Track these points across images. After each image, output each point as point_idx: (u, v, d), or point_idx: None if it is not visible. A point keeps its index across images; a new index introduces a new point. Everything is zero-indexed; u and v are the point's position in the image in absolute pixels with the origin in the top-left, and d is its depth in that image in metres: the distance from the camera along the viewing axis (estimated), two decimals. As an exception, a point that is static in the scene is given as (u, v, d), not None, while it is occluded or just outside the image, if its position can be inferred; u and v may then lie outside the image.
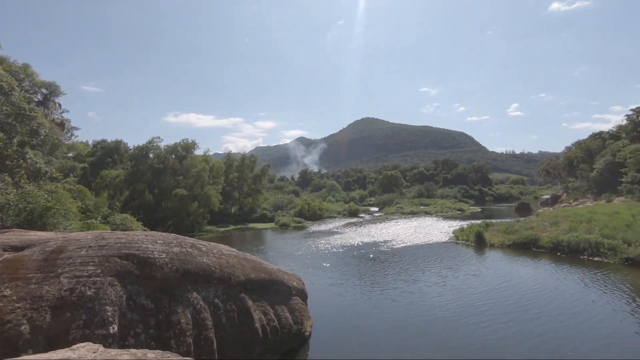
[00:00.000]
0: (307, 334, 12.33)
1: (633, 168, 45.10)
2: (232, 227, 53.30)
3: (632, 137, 52.86)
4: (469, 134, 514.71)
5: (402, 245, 33.08)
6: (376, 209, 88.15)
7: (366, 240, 36.78)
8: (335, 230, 47.01)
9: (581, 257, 24.49)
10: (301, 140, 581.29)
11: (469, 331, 13.36)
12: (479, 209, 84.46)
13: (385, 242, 35.09)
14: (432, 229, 44.21)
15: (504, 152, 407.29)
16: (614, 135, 63.03)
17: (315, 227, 51.36)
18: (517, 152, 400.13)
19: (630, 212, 30.73)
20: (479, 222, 38.60)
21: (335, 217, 67.15)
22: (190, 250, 9.65)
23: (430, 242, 34.61)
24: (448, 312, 15.33)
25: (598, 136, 70.94)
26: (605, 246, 23.88)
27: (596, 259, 23.74)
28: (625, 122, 58.09)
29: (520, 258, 25.87)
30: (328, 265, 25.63)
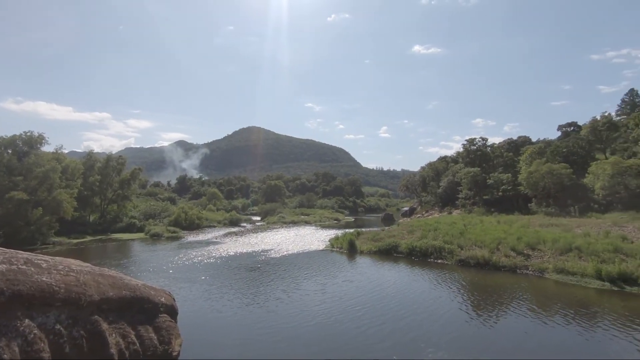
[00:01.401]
0: (175, 354, 11.32)
1: (466, 186, 56.19)
2: (89, 238, 45.66)
3: (466, 162, 65.97)
4: (347, 150, 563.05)
5: (282, 254, 33.65)
6: (259, 218, 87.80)
7: (246, 250, 36.18)
8: (215, 240, 44.91)
9: (429, 260, 29.10)
10: (181, 144, 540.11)
11: (352, 336, 14.30)
12: (353, 219, 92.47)
13: (266, 251, 35.16)
14: (310, 238, 46.28)
15: (375, 169, 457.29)
16: (454, 160, 77.58)
17: (192, 237, 48.07)
18: (385, 169, 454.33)
19: (463, 222, 38.06)
20: (351, 231, 42.20)
21: (215, 227, 64.19)
22: (23, 267, 7.85)
23: (309, 250, 36.15)
24: (330, 320, 16.10)
25: (443, 159, 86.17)
26: (445, 250, 28.97)
27: (439, 261, 28.55)
28: (461, 149, 72.18)
29: (385, 263, 29.21)
30: (204, 277, 24.23)
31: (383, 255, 31.94)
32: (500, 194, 49.15)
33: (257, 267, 27.78)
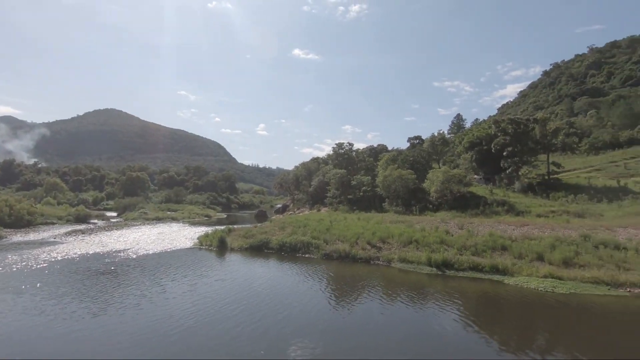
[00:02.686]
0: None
1: (334, 186, 61.21)
2: None
3: (335, 164, 71.86)
4: (222, 144, 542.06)
5: (142, 254, 30.34)
6: (114, 214, 76.86)
7: (96, 250, 31.32)
8: (53, 240, 37.38)
9: (298, 254, 30.64)
10: (7, 120, 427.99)
11: (231, 337, 13.88)
12: (225, 215, 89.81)
13: (121, 251, 31.13)
14: (177, 236, 43.06)
15: (251, 165, 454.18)
16: (325, 161, 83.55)
17: (19, 237, 38.91)
18: (261, 166, 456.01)
19: (329, 219, 41.35)
20: (222, 227, 41.01)
21: (55, 224, 53.37)
22: None
23: (174, 249, 33.61)
24: (204, 322, 15.30)
25: (315, 160, 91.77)
26: (312, 245, 31.00)
27: (307, 255, 30.36)
28: (331, 152, 78.29)
29: (256, 259, 29.42)
30: (36, 286, 19.98)
31: (254, 251, 32.12)
32: (361, 194, 55.21)
33: (109, 270, 24.38)
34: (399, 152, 74.98)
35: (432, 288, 21.66)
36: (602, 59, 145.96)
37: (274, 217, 62.76)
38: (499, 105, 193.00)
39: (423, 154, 65.47)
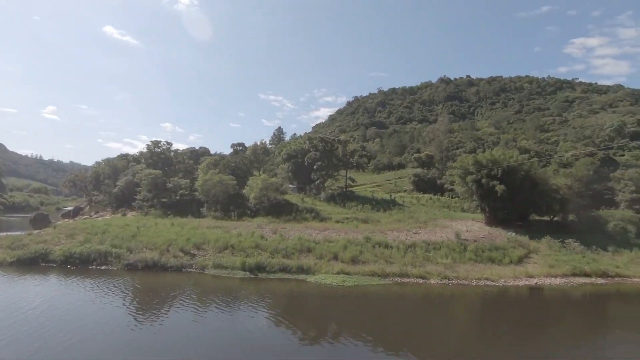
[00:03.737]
0: None
1: (145, 188, 54.72)
2: None
3: (148, 163, 64.47)
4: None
5: None
6: None
7: None
8: None
9: (91, 267, 25.72)
10: None
11: None
12: (-21, 220, 66.16)
13: None
14: None
15: (30, 156, 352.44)
16: (136, 159, 73.82)
17: None
18: (46, 158, 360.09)
19: (137, 224, 36.65)
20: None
21: None
22: None
23: None
24: None
25: (124, 157, 79.90)
26: (112, 255, 26.71)
27: (104, 267, 25.89)
28: (146, 150, 69.97)
29: (28, 276, 22.94)
30: None
31: (25, 266, 25.03)
32: (178, 197, 51.54)
33: None
34: (222, 156, 74.32)
35: (245, 291, 22.29)
36: (385, 100, 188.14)
37: (59, 222, 50.67)
38: (314, 124, 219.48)
39: (245, 161, 67.11)
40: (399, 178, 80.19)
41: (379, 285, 24.80)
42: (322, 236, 33.13)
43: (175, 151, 72.63)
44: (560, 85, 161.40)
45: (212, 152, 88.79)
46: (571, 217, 42.42)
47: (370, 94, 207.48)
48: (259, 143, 76.64)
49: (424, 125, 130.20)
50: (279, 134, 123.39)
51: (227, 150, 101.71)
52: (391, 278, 26.04)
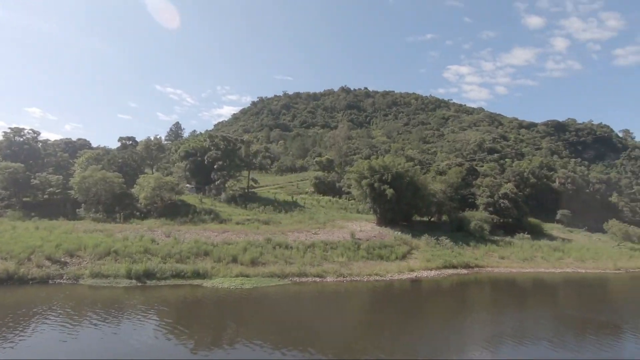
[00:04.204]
0: None
1: (1, 185, 45.01)
2: None
3: (5, 155, 53.17)
4: None
5: None
6: None
7: None
8: None
9: None
10: None
11: None
12: None
13: None
14: None
15: None
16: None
17: None
18: None
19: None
20: None
21: None
22: None
23: None
24: None
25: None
26: (-53, 268, 21.22)
27: None
28: (2, 138, 57.56)
29: None
30: None
31: None
32: (46, 196, 43.67)
33: None
34: (107, 151, 65.67)
35: (131, 302, 20.10)
36: (290, 103, 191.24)
37: None
38: (216, 122, 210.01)
39: (135, 157, 60.46)
40: (301, 180, 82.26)
41: (278, 285, 25.03)
42: (221, 238, 31.95)
43: (45, 142, 61.55)
44: (439, 104, 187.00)
45: (94, 145, 77.67)
46: (444, 217, 49.38)
47: (275, 95, 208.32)
48: (152, 138, 69.92)
49: (325, 131, 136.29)
50: (176, 129, 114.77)
51: (114, 144, 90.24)
52: (290, 278, 26.53)
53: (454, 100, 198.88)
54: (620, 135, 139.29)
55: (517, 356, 15.95)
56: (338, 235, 37.28)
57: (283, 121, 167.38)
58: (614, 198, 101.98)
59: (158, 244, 29.06)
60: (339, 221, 43.82)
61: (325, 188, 69.60)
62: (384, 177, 43.68)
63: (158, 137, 73.35)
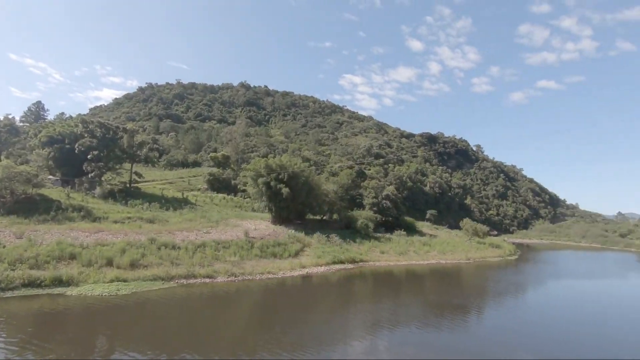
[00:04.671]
0: None
1: None
2: None
3: None
4: None
5: None
6: None
7: None
8: None
9: None
10: None
11: None
12: None
13: None
14: None
15: None
16: None
17: None
18: None
19: None
20: None
21: None
22: None
23: None
24: None
25: None
26: None
27: None
28: None
29: None
30: None
31: None
32: None
33: None
34: None
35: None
36: (185, 93, 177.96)
37: None
38: (92, 106, 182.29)
39: (-26, 140, 48.29)
40: (194, 176, 77.45)
41: (163, 289, 23.12)
42: (94, 239, 27.95)
43: None
44: (334, 109, 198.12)
45: None
46: (335, 216, 52.49)
47: (167, 83, 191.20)
48: (2, 118, 56.82)
49: (222, 126, 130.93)
50: (37, 110, 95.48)
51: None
52: (177, 280, 24.78)
53: (348, 107, 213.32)
54: (474, 149, 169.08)
55: (392, 339, 18.02)
56: (231, 234, 36.31)
57: (176, 112, 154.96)
58: (468, 200, 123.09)
59: (5, 246, 23.86)
60: (233, 220, 42.69)
61: (219, 185, 66.99)
62: (280, 176, 44.21)
63: (10, 116, 60.06)
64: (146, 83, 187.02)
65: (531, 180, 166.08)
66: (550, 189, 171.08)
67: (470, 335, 19.63)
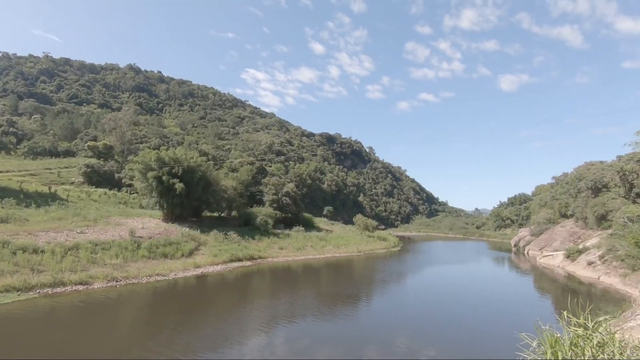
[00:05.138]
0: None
1: None
2: None
3: None
4: None
5: None
6: None
7: None
8: None
9: None
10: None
11: None
12: None
13: None
14: None
15: None
16: None
17: None
18: None
19: None
20: None
21: None
22: None
23: None
24: None
25: None
26: None
27: None
28: None
29: None
30: None
31: None
32: None
33: None
34: None
35: None
36: (55, 70, 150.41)
37: None
38: None
39: None
40: (66, 168, 66.40)
41: (19, 302, 19.33)
42: None
43: None
44: (236, 103, 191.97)
45: None
46: (234, 213, 51.16)
47: (31, 55, 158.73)
48: None
49: (105, 111, 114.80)
50: None
51: None
52: (39, 290, 21.01)
53: (250, 102, 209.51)
54: (368, 150, 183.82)
55: (289, 332, 18.46)
56: (113, 233, 32.35)
57: (42, 90, 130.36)
58: (361, 198, 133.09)
59: None
60: (115, 218, 38.06)
61: (100, 179, 59.03)
62: (174, 170, 41.12)
63: None
64: (1, 52, 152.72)
65: (413, 180, 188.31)
66: (427, 188, 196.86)
67: (360, 322, 21.43)
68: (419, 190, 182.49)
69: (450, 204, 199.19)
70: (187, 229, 39.21)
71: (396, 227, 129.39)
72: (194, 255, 34.08)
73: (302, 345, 17.12)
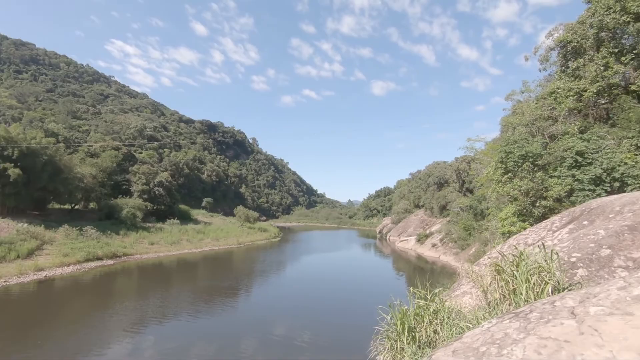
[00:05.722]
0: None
1: None
2: None
3: None
4: None
5: None
6: None
7: None
8: None
9: None
10: None
11: None
12: None
13: None
14: None
15: None
16: None
17: None
18: None
19: None
20: None
21: None
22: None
23: None
24: None
25: None
26: None
27: None
28: None
29: None
30: None
31: None
32: None
33: None
34: None
35: None
36: None
37: None
38: None
39: None
40: None
41: None
42: None
43: None
44: (98, 77, 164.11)
45: None
46: (92, 205, 44.14)
47: None
48: None
49: None
50: None
51: None
52: None
53: (117, 79, 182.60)
54: (251, 141, 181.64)
55: (160, 333, 16.98)
56: None
57: None
58: (243, 189, 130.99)
59: None
60: None
61: None
62: (6, 153, 33.05)
63: None
64: None
65: (294, 173, 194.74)
66: (308, 181, 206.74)
67: (238, 316, 21.20)
68: (300, 182, 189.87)
69: (327, 196, 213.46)
70: (25, 224, 32.07)
71: (277, 218, 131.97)
72: (36, 256, 28.21)
73: (172, 345, 16.03)
